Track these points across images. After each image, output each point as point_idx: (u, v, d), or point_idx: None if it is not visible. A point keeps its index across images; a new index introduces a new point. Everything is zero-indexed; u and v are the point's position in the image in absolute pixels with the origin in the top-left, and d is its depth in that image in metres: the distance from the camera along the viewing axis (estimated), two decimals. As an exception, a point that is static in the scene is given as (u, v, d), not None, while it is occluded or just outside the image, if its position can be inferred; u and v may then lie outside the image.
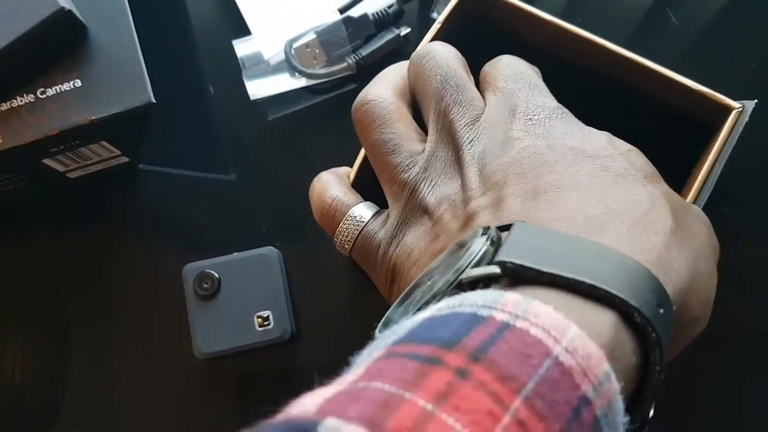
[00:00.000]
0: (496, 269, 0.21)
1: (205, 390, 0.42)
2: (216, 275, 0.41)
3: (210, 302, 0.41)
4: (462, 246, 0.23)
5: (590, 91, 0.35)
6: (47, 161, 0.39)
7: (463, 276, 0.21)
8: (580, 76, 0.36)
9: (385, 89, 0.31)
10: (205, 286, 0.41)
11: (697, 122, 0.35)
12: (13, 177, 0.40)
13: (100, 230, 0.45)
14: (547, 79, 0.32)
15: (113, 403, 0.42)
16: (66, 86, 0.37)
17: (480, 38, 0.36)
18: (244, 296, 0.41)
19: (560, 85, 0.32)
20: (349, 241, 0.30)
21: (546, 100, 0.29)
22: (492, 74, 0.31)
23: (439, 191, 0.28)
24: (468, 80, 0.30)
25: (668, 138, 0.36)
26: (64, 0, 0.36)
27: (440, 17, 0.35)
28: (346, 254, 0.31)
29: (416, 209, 0.28)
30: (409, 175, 0.29)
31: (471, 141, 0.28)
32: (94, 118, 0.37)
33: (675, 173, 0.35)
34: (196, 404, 0.42)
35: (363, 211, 0.30)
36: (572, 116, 0.29)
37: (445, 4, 0.45)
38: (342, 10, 0.45)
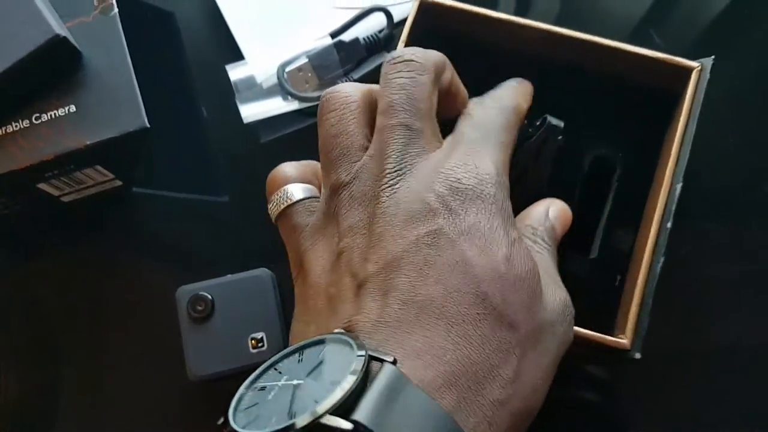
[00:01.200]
0: (348, 427, 0.21)
1: (199, 412, 0.42)
2: (209, 297, 0.41)
3: (204, 324, 0.41)
4: (324, 360, 0.23)
5: (554, 81, 0.36)
6: (42, 185, 0.40)
7: (320, 419, 0.21)
8: (541, 67, 0.37)
9: (354, 86, 0.30)
10: (199, 308, 0.41)
11: (662, 90, 0.37)
12: (7, 201, 0.40)
13: (94, 253, 0.45)
14: (510, 76, 0.33)
15: (106, 424, 0.42)
16: (61, 111, 0.38)
17: (443, 48, 0.37)
18: (237, 318, 0.41)
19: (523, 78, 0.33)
20: (275, 212, 0.30)
21: (488, 174, 0.26)
22: (468, 112, 0.30)
23: (354, 214, 0.27)
24: (431, 104, 0.28)
25: (637, 111, 0.38)
26: (59, 27, 0.37)
27: (402, 36, 0.36)
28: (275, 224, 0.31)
29: (332, 218, 0.28)
30: (337, 179, 0.28)
31: (395, 175, 0.26)
32: (88, 142, 0.37)
33: (650, 142, 0.37)
34: (189, 427, 0.42)
35: (296, 190, 0.30)
36: (501, 209, 0.26)
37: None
38: (333, 35, 0.46)
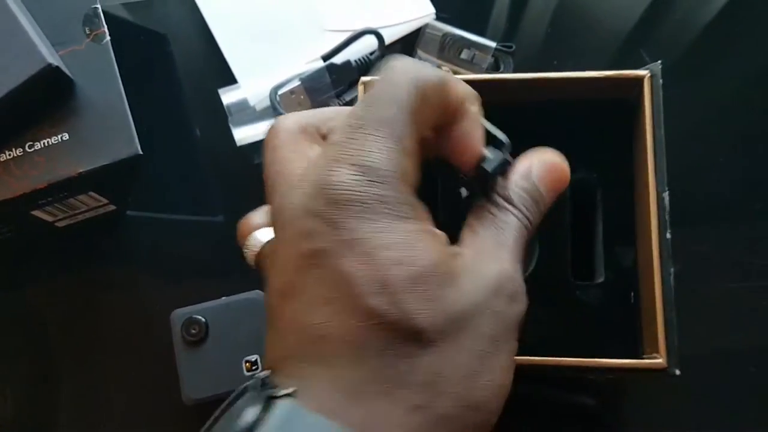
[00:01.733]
0: None
1: (195, 436, 0.42)
2: (204, 320, 0.41)
3: (198, 348, 0.41)
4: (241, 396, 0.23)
5: (519, 120, 0.36)
6: (36, 212, 0.40)
7: None
8: (505, 109, 0.37)
9: (293, 118, 0.29)
10: (193, 331, 0.41)
11: (623, 104, 0.37)
12: (1, 228, 0.41)
13: (88, 276, 0.45)
14: None
15: (102, 450, 0.42)
16: (54, 139, 0.38)
17: None
18: (232, 341, 0.41)
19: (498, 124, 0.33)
20: (250, 259, 0.30)
21: (370, 166, 0.24)
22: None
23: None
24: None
25: (604, 129, 0.38)
26: (51, 56, 0.37)
27: None
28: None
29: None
30: (271, 206, 0.26)
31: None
32: (81, 170, 0.37)
33: (622, 156, 0.38)
34: (185, 450, 0.42)
35: (263, 235, 0.30)
36: (388, 207, 0.24)
37: (427, 48, 0.47)
38: (325, 58, 0.46)
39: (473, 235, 0.26)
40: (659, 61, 0.35)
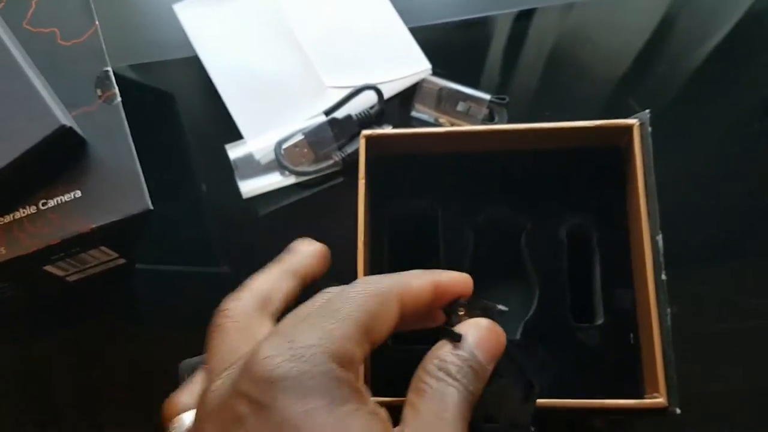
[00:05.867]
0: None
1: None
2: (212, 371, 0.42)
3: (206, 398, 0.41)
4: None
5: (511, 169, 0.40)
6: (48, 268, 0.41)
7: None
8: (498, 159, 0.40)
9: (252, 298, 0.29)
10: (202, 382, 0.42)
11: (614, 151, 0.40)
12: (13, 284, 0.42)
13: (95, 329, 0.46)
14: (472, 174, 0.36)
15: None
16: (67, 197, 0.39)
17: (402, 170, 0.41)
18: (239, 391, 0.42)
19: (486, 175, 0.37)
20: None
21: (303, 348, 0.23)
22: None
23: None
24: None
25: (598, 175, 0.40)
26: (64, 117, 0.39)
27: (360, 173, 0.39)
28: None
29: None
30: (201, 400, 0.25)
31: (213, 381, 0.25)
32: (94, 226, 0.38)
33: (616, 201, 0.40)
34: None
35: (188, 418, 0.28)
36: (321, 386, 0.23)
37: (424, 101, 0.48)
38: (327, 112, 0.48)
39: (414, 412, 0.25)
40: (647, 110, 0.37)
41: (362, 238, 0.37)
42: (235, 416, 0.22)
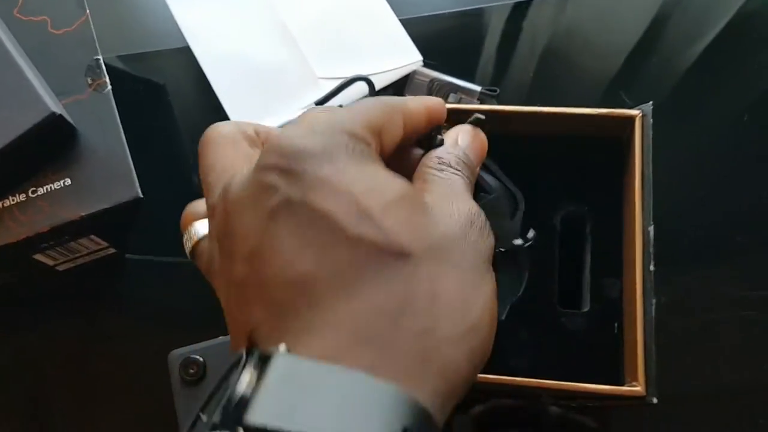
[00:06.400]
0: None
1: (192, 477, 0.42)
2: (202, 360, 0.42)
3: (196, 388, 0.41)
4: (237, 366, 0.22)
5: (512, 151, 0.39)
6: (37, 256, 0.41)
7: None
8: (498, 140, 0.39)
9: (234, 124, 0.29)
10: (191, 371, 0.42)
11: (614, 141, 0.40)
12: (2, 274, 0.41)
13: (87, 318, 0.46)
14: None
15: (100, 494, 0.42)
16: (57, 185, 0.39)
17: None
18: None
19: (490, 153, 0.35)
20: (188, 250, 0.30)
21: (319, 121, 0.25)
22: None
23: (225, 228, 0.25)
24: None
25: (596, 164, 0.40)
26: (54, 105, 0.39)
27: None
28: None
29: (215, 238, 0.26)
30: (211, 201, 0.26)
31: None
32: (83, 214, 0.38)
33: (612, 191, 0.40)
34: (183, 492, 0.42)
35: (202, 226, 0.29)
36: (346, 148, 0.24)
37: (415, 92, 0.48)
38: (318, 103, 0.48)
39: (428, 188, 0.27)
40: (650, 102, 0.37)
41: None
42: (267, 186, 0.23)
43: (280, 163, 0.23)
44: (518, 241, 0.38)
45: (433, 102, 0.30)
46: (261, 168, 0.24)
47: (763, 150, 0.49)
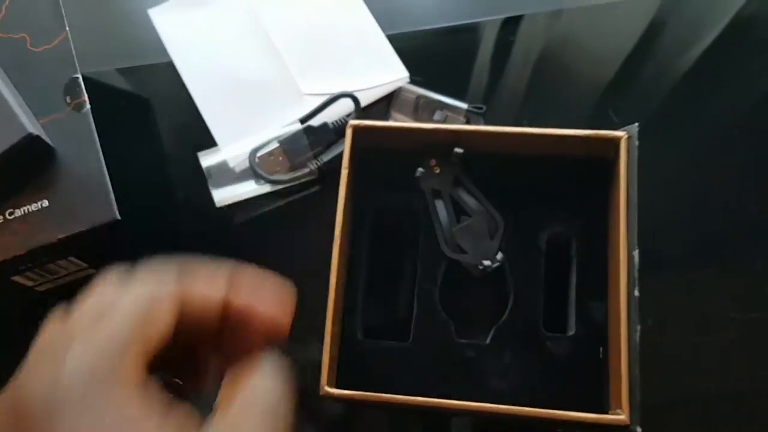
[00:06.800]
0: None
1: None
2: (180, 382, 0.41)
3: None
4: None
5: (496, 172, 0.40)
6: (16, 278, 0.40)
7: None
8: (482, 161, 0.40)
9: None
10: (169, 393, 0.41)
11: (599, 162, 0.39)
12: (-20, 295, 0.41)
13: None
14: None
15: None
16: (34, 206, 0.38)
17: (386, 165, 0.41)
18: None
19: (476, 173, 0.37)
20: None
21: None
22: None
23: None
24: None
25: (580, 185, 0.40)
26: (32, 126, 0.38)
27: (344, 162, 0.39)
28: None
29: None
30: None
31: None
32: (60, 236, 0.38)
33: (597, 212, 0.40)
34: None
35: None
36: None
37: (401, 109, 0.48)
38: (303, 120, 0.47)
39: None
40: (636, 124, 0.37)
41: (339, 228, 0.37)
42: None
43: (37, 413, 0.21)
44: (486, 262, 0.38)
45: (251, 297, 0.25)
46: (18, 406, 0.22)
47: (761, 158, 0.48)
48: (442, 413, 0.39)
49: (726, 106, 0.50)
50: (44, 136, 0.39)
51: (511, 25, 0.53)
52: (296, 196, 0.48)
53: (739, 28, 0.52)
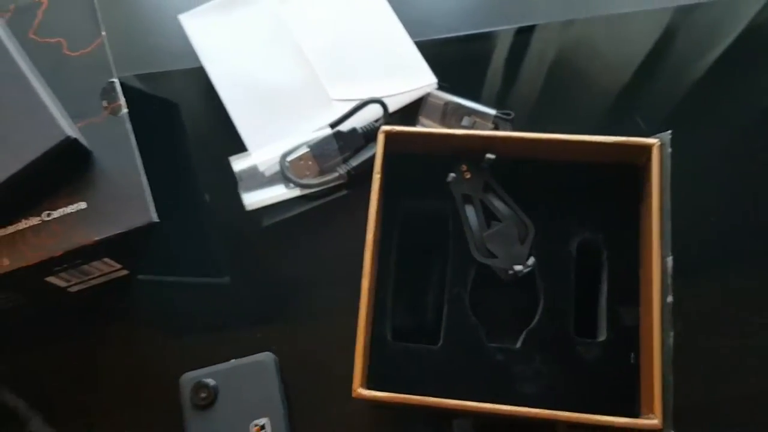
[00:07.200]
0: None
1: (203, 501, 0.42)
2: (212, 384, 0.42)
3: (207, 412, 0.41)
4: None
5: (527, 179, 0.41)
6: (50, 279, 0.41)
7: None
8: (513, 167, 0.40)
9: None
10: (202, 395, 0.41)
11: (631, 169, 0.40)
12: (14, 295, 0.41)
13: (98, 340, 0.46)
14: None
15: None
16: (71, 208, 0.39)
17: (417, 170, 0.42)
18: (240, 404, 0.42)
19: (500, 181, 0.38)
20: None
21: None
22: None
23: None
24: None
25: (612, 192, 0.40)
26: (70, 128, 0.39)
27: (376, 167, 0.39)
28: None
29: None
30: None
31: None
32: (97, 238, 0.38)
33: (629, 219, 0.40)
34: None
35: None
36: None
37: (429, 115, 0.48)
38: (333, 125, 0.48)
39: None
40: (669, 131, 0.37)
41: (372, 232, 0.38)
42: None
43: None
44: (517, 267, 0.38)
45: None
46: None
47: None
48: (475, 416, 0.39)
49: (745, 109, 0.50)
50: (82, 139, 0.39)
51: (533, 31, 0.53)
52: (325, 200, 0.48)
53: (754, 33, 0.53)
